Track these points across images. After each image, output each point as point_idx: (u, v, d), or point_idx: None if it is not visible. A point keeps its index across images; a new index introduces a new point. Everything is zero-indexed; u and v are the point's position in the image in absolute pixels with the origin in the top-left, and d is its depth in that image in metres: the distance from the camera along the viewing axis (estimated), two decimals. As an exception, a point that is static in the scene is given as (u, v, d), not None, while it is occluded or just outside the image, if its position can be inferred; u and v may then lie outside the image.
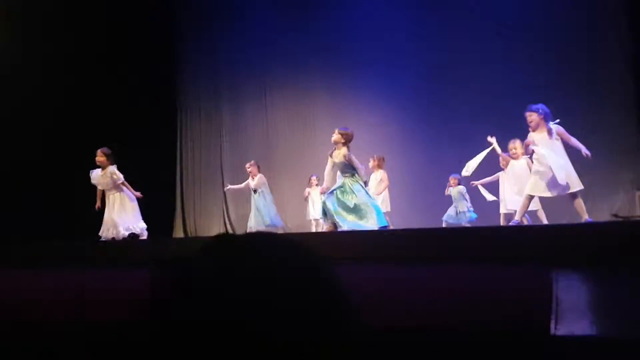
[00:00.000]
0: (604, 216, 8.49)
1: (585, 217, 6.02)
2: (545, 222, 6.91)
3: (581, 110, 9.20)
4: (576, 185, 5.98)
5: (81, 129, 8.97)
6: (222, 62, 11.24)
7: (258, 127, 11.28)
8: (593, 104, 9.22)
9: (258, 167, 9.27)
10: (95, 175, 7.09)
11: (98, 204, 7.13)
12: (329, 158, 6.63)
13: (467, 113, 9.61)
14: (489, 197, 8.58)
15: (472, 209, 9.15)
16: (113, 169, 7.06)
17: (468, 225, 9.07)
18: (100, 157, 7.04)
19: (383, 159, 9.15)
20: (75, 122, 9.08)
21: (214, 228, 10.84)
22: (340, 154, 6.47)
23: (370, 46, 10.45)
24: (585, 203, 8.77)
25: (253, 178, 9.19)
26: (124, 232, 6.97)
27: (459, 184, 9.29)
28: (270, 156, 10.80)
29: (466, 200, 9.21)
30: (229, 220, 10.98)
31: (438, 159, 9.80)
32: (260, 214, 8.89)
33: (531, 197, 6.22)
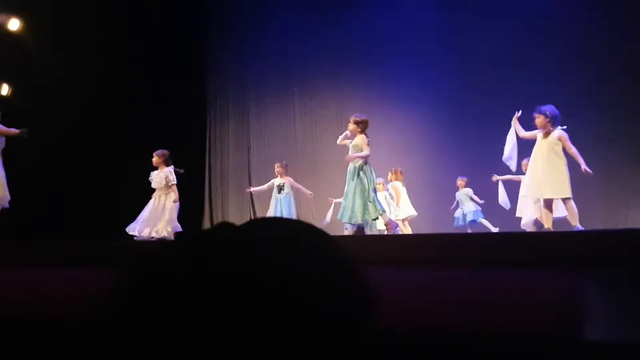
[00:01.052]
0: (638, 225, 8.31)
1: (575, 223, 5.90)
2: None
3: (618, 116, 9.06)
4: (560, 193, 5.89)
5: (109, 131, 9.09)
6: (251, 63, 11.21)
7: (286, 129, 11.21)
8: (628, 110, 9.04)
9: (286, 169, 9.16)
10: (153, 174, 7.35)
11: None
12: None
13: (491, 117, 9.46)
14: (503, 198, 8.42)
15: (480, 209, 9.13)
16: (169, 170, 7.27)
17: (473, 225, 9.07)
18: (153, 159, 7.35)
19: (401, 172, 9.27)
20: (103, 125, 9.14)
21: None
22: (357, 138, 6.47)
23: (402, 49, 10.40)
24: (619, 211, 8.75)
25: (282, 178, 9.06)
26: (163, 235, 7.03)
27: (466, 186, 9.31)
28: (297, 158, 10.64)
29: (473, 201, 9.20)
30: (256, 221, 10.93)
31: (465, 162, 9.81)
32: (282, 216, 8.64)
33: (548, 202, 6.11)
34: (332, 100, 10.90)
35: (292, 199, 8.96)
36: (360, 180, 6.28)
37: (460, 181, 9.49)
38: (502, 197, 8.45)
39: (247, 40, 11.15)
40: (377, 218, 6.43)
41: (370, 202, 6.24)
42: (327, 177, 10.12)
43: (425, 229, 9.15)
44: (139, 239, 6.91)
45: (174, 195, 7.27)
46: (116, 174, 8.82)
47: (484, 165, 9.00)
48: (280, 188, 8.95)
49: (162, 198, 7.26)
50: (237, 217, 10.93)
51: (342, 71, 10.71)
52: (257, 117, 11.38)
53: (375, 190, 6.47)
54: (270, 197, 9.15)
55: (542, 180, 5.97)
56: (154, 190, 7.42)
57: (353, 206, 6.25)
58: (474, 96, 9.81)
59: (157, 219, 7.12)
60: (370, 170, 6.42)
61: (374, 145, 6.82)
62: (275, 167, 9.08)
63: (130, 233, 7.03)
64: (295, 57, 10.88)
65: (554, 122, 5.98)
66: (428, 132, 10.36)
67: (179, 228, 7.22)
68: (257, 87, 11.29)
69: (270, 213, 8.82)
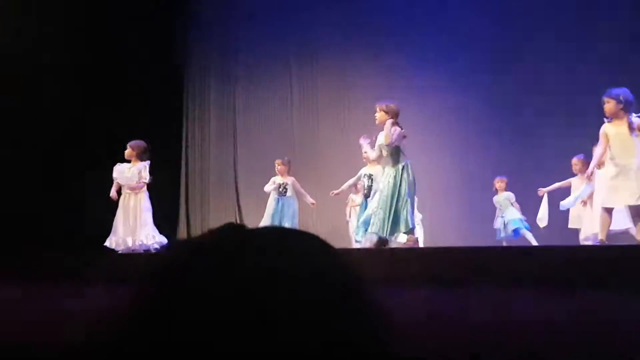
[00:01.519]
0: None
1: None
2: None
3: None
4: None
5: (69, 116, 8.21)
6: (239, 35, 9.97)
7: (281, 118, 9.94)
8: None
9: (289, 167, 8.17)
10: (120, 168, 7.00)
11: (113, 193, 6.97)
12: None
13: (532, 108, 8.43)
14: (543, 214, 7.56)
15: (524, 218, 7.92)
16: (143, 165, 6.94)
17: (515, 236, 7.97)
18: (126, 150, 7.01)
19: None
20: (64, 108, 8.26)
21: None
22: (384, 132, 5.99)
23: (424, 17, 9.05)
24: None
25: (283, 177, 8.06)
26: (141, 243, 6.83)
27: (506, 189, 8.05)
28: (295, 152, 9.34)
29: (515, 207, 7.97)
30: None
31: (501, 159, 8.57)
32: (282, 223, 7.66)
33: (608, 210, 5.48)
34: (338, 79, 9.55)
35: (296, 203, 8.06)
36: (400, 186, 5.87)
37: (499, 183, 8.12)
38: (543, 213, 7.52)
39: (234, 4, 9.93)
40: (406, 233, 6.01)
41: (403, 213, 5.83)
42: (332, 176, 8.75)
43: (453, 239, 7.93)
44: (125, 251, 6.69)
45: (144, 195, 6.89)
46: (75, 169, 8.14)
47: (524, 165, 8.20)
48: (283, 189, 8.02)
49: (132, 199, 6.91)
50: (221, 222, 9.61)
51: (354, 47, 9.32)
52: (246, 99, 10.10)
53: (413, 199, 6.09)
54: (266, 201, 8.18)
55: (622, 184, 5.36)
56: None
57: (388, 217, 5.79)
58: (515, 83, 8.53)
59: (135, 225, 6.86)
60: (411, 173, 5.97)
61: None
62: (276, 165, 8.14)
63: (112, 247, 6.80)
64: (293, 25, 9.59)
65: (627, 108, 5.36)
66: (457, 124, 8.88)
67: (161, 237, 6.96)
68: (246, 63, 10.00)
69: (267, 216, 7.96)
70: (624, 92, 5.39)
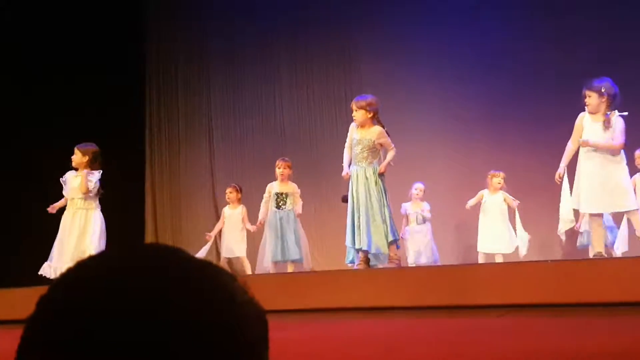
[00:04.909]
0: None
1: None
2: None
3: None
4: (624, 204, 5.16)
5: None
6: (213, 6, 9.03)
7: (266, 106, 8.97)
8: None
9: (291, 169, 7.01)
10: (69, 175, 6.30)
11: (55, 206, 6.30)
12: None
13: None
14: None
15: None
16: (93, 174, 6.22)
17: None
18: (74, 156, 6.24)
19: None
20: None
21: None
22: (373, 132, 5.62)
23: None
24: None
25: (283, 184, 6.88)
26: None
27: None
28: (285, 147, 8.36)
29: None
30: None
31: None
32: (286, 239, 6.66)
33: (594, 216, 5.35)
34: (338, 61, 8.56)
35: (298, 220, 6.84)
36: (383, 191, 5.68)
37: None
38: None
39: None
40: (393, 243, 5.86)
41: (388, 221, 5.68)
42: (330, 180, 7.86)
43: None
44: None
45: (98, 211, 6.15)
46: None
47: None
48: (282, 200, 6.81)
49: (81, 216, 6.15)
50: (195, 241, 8.41)
51: (353, 15, 8.39)
52: (222, 86, 9.14)
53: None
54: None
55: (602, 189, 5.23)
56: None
57: (385, 229, 5.59)
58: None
59: (85, 246, 6.16)
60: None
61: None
62: (277, 168, 6.93)
63: (47, 275, 6.11)
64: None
65: (612, 103, 5.09)
66: (483, 116, 7.82)
67: None
68: (221, 41, 9.00)
69: (269, 240, 6.76)
70: (607, 82, 5.12)
